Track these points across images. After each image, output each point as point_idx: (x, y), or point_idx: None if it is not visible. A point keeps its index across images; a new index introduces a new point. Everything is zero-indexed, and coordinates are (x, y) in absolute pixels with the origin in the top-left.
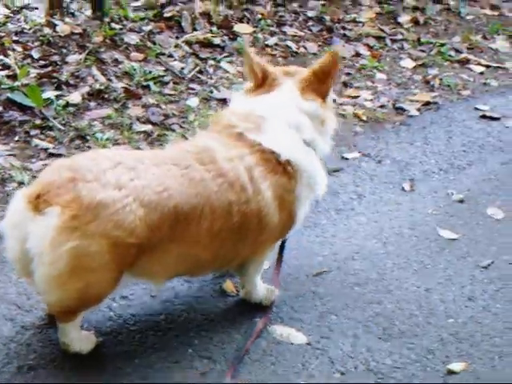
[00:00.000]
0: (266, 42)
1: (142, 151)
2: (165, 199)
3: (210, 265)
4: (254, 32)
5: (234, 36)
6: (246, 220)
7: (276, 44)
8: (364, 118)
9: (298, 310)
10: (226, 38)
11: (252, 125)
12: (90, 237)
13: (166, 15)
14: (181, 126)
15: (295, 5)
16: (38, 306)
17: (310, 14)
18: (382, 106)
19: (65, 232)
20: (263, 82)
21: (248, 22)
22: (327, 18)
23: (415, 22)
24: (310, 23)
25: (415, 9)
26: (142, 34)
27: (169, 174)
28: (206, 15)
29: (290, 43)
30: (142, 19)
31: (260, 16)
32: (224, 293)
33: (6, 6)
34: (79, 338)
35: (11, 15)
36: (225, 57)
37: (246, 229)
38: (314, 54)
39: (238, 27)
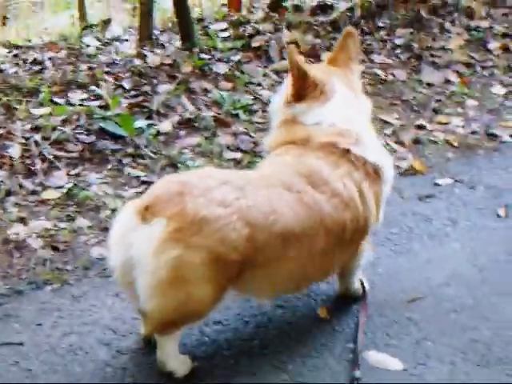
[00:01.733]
0: None
1: (252, 172)
2: (272, 221)
3: (316, 279)
4: None
5: None
6: (356, 232)
7: (364, 72)
8: (455, 144)
9: (394, 337)
10: None
11: (352, 140)
12: (192, 249)
13: (253, 45)
14: None
15: (383, 33)
16: (134, 330)
17: (398, 41)
18: (473, 132)
19: (168, 242)
20: (308, 87)
21: None
22: (415, 45)
23: (505, 48)
24: (398, 51)
25: (505, 35)
26: (231, 63)
27: (279, 196)
28: (294, 44)
29: (378, 71)
30: (230, 49)
31: None
32: (317, 318)
33: (98, 39)
34: (176, 355)
35: (102, 47)
36: None
37: (355, 240)
38: (403, 81)
39: (326, 55)
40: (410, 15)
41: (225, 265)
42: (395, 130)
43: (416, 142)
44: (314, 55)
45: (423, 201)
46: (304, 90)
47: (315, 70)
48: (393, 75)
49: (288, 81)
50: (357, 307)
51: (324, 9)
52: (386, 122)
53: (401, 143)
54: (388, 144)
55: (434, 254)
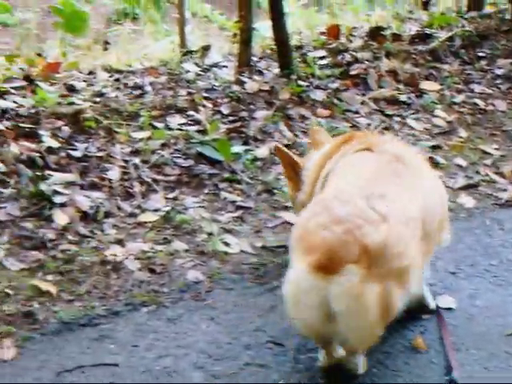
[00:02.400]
0: (453, 100)
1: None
2: None
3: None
4: (441, 89)
5: (420, 93)
6: None
7: (463, 101)
8: None
9: (492, 371)
10: (412, 95)
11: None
12: (383, 279)
13: (352, 73)
14: None
15: (483, 63)
16: (228, 354)
17: (499, 71)
18: None
19: (366, 285)
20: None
21: (435, 80)
22: None
23: None
24: (499, 81)
25: None
26: (328, 91)
27: None
28: (392, 73)
29: (477, 101)
30: (328, 76)
31: (447, 73)
32: (414, 349)
33: (197, 65)
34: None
35: (201, 73)
36: (411, 114)
37: None
38: (503, 111)
39: (425, 84)
40: (511, 45)
41: None
42: (495, 161)
43: None
44: (412, 84)
45: None
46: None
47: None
48: (493, 105)
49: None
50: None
51: (423, 38)
52: (485, 153)
53: (501, 174)
54: (488, 175)
55: None
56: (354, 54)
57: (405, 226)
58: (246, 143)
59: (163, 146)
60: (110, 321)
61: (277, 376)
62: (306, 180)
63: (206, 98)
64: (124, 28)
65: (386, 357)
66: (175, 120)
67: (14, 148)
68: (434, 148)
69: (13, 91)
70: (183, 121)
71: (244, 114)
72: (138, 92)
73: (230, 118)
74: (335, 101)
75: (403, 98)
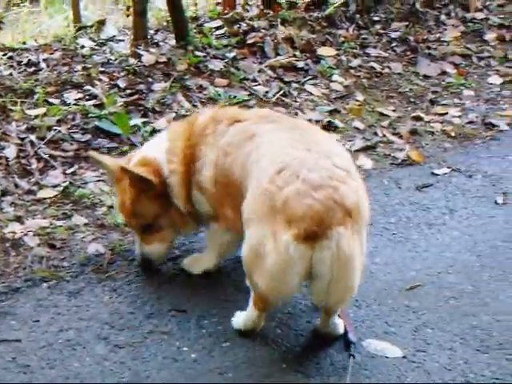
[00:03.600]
0: (350, 64)
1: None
2: None
3: None
4: (338, 55)
5: (317, 59)
6: None
7: (360, 66)
8: (453, 134)
9: (393, 325)
10: (309, 61)
11: None
12: (360, 234)
13: (248, 42)
14: None
15: (378, 27)
16: (130, 324)
17: (394, 35)
18: (470, 122)
19: (352, 244)
20: None
21: (331, 46)
22: (411, 38)
23: (501, 39)
24: (394, 44)
25: (501, 26)
26: (226, 60)
27: None
28: (289, 40)
29: (373, 64)
30: (225, 46)
31: (343, 39)
32: (316, 309)
33: (92, 40)
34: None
35: (97, 48)
36: (309, 79)
37: None
38: (399, 73)
39: (321, 50)
40: (406, 9)
41: None
42: (392, 122)
43: (413, 133)
44: (309, 50)
45: (421, 190)
46: None
47: None
48: (389, 68)
49: None
50: None
51: (318, 4)
52: (382, 115)
53: (398, 135)
54: (385, 136)
55: (433, 243)
56: (250, 22)
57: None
58: (144, 115)
59: (60, 121)
60: (10, 297)
61: (180, 343)
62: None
63: (102, 73)
64: (22, 10)
65: (288, 317)
66: (71, 95)
67: None
68: (332, 112)
69: None
70: (80, 96)
71: (141, 86)
72: (32, 69)
73: (128, 92)
74: (232, 70)
75: (300, 64)
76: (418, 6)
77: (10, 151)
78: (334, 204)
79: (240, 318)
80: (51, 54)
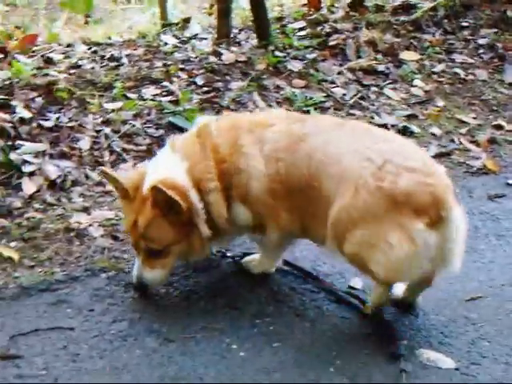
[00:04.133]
0: (433, 70)
1: None
2: None
3: None
4: (421, 59)
5: (399, 63)
6: None
7: (443, 71)
8: None
9: (449, 335)
10: (390, 65)
11: None
12: None
13: (330, 43)
14: None
15: (466, 33)
16: (183, 319)
17: (482, 41)
18: None
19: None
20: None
21: (415, 50)
22: (499, 45)
23: None
24: (481, 51)
25: None
26: (306, 61)
27: None
28: (371, 43)
29: (458, 70)
30: (306, 47)
31: (428, 44)
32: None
33: (176, 37)
34: None
35: (180, 45)
36: (388, 83)
37: None
38: (484, 81)
39: (404, 54)
40: (496, 15)
41: None
42: (470, 130)
43: (492, 141)
44: (391, 54)
45: (493, 200)
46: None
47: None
48: (473, 75)
49: None
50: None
51: (406, 8)
52: (462, 122)
53: (475, 143)
54: (462, 143)
55: (500, 254)
56: (333, 24)
57: None
58: (218, 113)
59: (135, 116)
60: (69, 286)
61: (231, 340)
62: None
63: (181, 70)
64: (115, 7)
65: (342, 322)
66: (149, 91)
67: None
68: (410, 117)
69: None
70: (157, 92)
71: (219, 84)
72: (114, 64)
73: (204, 89)
74: (311, 71)
75: (381, 68)
76: (508, 12)
77: (85, 143)
78: (446, 187)
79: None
80: (134, 49)
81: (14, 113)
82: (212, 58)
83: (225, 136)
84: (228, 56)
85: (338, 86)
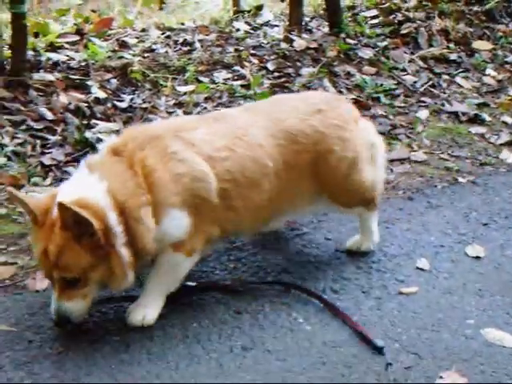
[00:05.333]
0: (506, 59)
1: None
2: None
3: None
4: (494, 49)
5: (471, 52)
6: None
7: None
8: None
9: None
10: (462, 54)
11: None
12: None
13: (402, 32)
14: (407, 136)
15: None
16: (251, 292)
17: None
18: None
19: None
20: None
21: (488, 40)
22: None
23: None
24: None
25: None
26: (377, 49)
27: None
28: (444, 32)
29: None
30: (377, 35)
31: (501, 34)
32: None
33: (248, 24)
34: None
35: (251, 32)
36: (460, 72)
37: None
38: None
39: (477, 44)
40: None
41: None
42: None
43: None
44: (464, 43)
45: None
46: None
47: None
48: None
49: None
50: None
51: None
52: None
53: None
54: None
55: None
56: (406, 13)
57: None
58: None
59: (207, 99)
60: None
61: (298, 314)
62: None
63: (253, 55)
64: None
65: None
66: (221, 75)
67: (63, 98)
68: (481, 106)
69: (66, 46)
70: (229, 76)
71: (290, 70)
72: (186, 48)
73: (275, 74)
74: (382, 59)
75: (453, 56)
76: None
77: None
78: None
79: None
80: (207, 35)
81: (90, 93)
82: (283, 45)
83: (149, 147)
84: (299, 43)
85: (408, 74)
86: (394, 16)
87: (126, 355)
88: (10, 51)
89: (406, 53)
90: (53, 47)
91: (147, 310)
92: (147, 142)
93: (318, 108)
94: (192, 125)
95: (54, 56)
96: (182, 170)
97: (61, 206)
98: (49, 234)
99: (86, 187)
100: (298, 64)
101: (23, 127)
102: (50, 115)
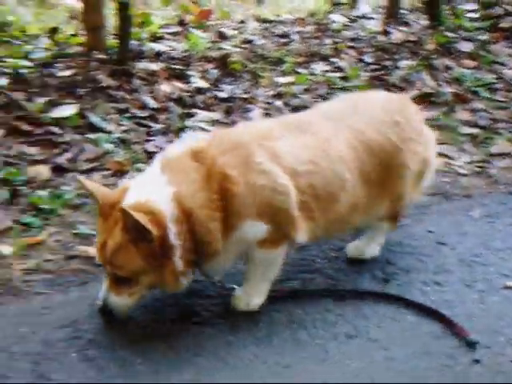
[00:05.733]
0: None
1: None
2: None
3: None
4: None
5: None
6: None
7: None
8: None
9: None
10: None
11: None
12: None
13: (502, 26)
14: (510, 131)
15: None
16: (354, 282)
17: None
18: None
19: None
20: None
21: None
22: None
23: None
24: None
25: None
26: (476, 43)
27: None
28: None
29: None
30: (477, 29)
31: None
32: None
33: (345, 16)
34: None
35: (348, 24)
36: None
37: None
38: None
39: None
40: None
41: None
42: None
43: None
44: None
45: None
46: None
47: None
48: None
49: None
50: None
51: None
52: None
53: None
54: None
55: None
56: (506, 7)
57: None
58: (387, 90)
59: (305, 90)
60: None
61: (399, 305)
62: None
63: (350, 47)
64: None
65: None
66: (319, 67)
67: (166, 87)
68: None
69: (168, 36)
70: (326, 68)
71: (387, 63)
72: (284, 40)
73: (373, 67)
74: (482, 52)
75: None
76: None
77: (256, 114)
78: None
79: None
80: (304, 27)
81: (191, 83)
82: (381, 37)
83: (232, 155)
84: (397, 35)
85: (509, 69)
86: (493, 10)
87: (232, 337)
88: (115, 41)
89: (505, 47)
90: (155, 37)
91: (251, 298)
92: (230, 149)
93: (395, 120)
94: (277, 133)
95: (157, 46)
96: (263, 182)
97: (123, 211)
98: (111, 229)
99: (154, 190)
100: (396, 57)
101: (128, 115)
102: (153, 104)
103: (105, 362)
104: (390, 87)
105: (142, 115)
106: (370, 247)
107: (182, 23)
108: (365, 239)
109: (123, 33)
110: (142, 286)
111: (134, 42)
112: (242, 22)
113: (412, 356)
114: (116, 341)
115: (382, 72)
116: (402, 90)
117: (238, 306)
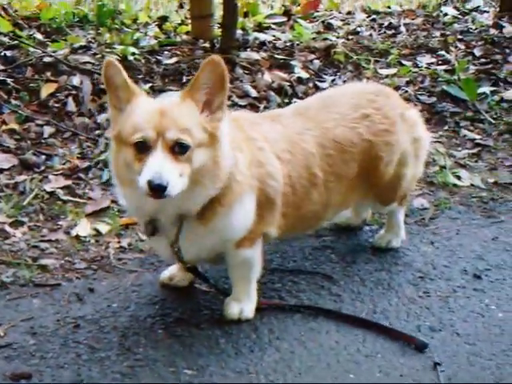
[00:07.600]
0: None
1: None
2: None
3: None
4: None
5: None
6: None
7: None
8: None
9: None
10: None
11: None
12: None
13: None
14: None
15: None
16: (442, 276)
17: None
18: None
19: None
20: None
21: None
22: None
23: None
24: None
25: None
26: None
27: None
28: None
29: None
30: None
31: None
32: None
33: (456, 8)
34: None
35: (460, 17)
36: None
37: None
38: None
39: None
40: None
41: None
42: None
43: None
44: None
45: None
46: None
47: None
48: None
49: None
50: None
51: None
52: None
53: None
54: None
55: None
56: None
57: None
58: (494, 85)
59: (408, 82)
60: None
61: (490, 301)
62: None
63: (459, 40)
64: None
65: None
66: (424, 59)
67: (267, 77)
68: None
69: (273, 26)
70: (432, 60)
71: (497, 57)
72: (391, 32)
73: (482, 60)
74: None
75: None
76: None
77: None
78: None
79: None
80: (413, 19)
81: (293, 73)
82: (492, 31)
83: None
84: (509, 29)
85: None
86: None
87: (314, 323)
88: (220, 30)
89: None
90: (260, 27)
91: (242, 306)
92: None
93: (364, 113)
94: (256, 120)
95: (261, 36)
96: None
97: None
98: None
99: None
100: (507, 51)
101: (229, 103)
102: (253, 92)
103: (190, 339)
104: (498, 81)
105: (243, 103)
106: (396, 236)
107: (287, 13)
108: (389, 229)
109: (229, 22)
110: (192, 166)
111: (239, 32)
112: (350, 13)
113: (498, 353)
114: (202, 320)
115: (491, 66)
116: (511, 84)
117: (230, 315)
